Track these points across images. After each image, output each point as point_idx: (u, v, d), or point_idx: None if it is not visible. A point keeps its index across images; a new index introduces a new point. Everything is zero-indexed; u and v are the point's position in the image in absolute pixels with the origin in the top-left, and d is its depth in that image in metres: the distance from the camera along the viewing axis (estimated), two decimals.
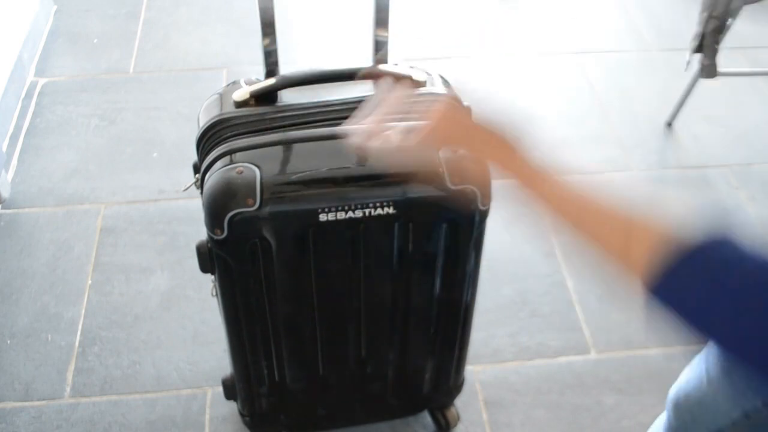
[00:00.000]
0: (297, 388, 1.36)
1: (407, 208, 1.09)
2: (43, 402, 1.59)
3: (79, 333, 1.71)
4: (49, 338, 1.70)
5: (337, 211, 1.07)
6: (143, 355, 1.67)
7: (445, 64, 2.43)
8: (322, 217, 1.07)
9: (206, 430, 1.55)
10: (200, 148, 1.15)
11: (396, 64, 1.21)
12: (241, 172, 1.05)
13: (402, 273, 1.19)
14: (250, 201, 1.03)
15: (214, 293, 1.35)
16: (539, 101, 2.35)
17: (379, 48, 1.20)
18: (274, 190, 1.05)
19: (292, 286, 1.17)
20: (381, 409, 1.49)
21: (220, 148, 1.10)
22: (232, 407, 1.57)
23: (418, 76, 1.19)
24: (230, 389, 1.40)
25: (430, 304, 1.25)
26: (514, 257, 1.89)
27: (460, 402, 1.58)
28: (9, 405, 1.59)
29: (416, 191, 1.08)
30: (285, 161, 1.08)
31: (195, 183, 1.18)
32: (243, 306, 1.18)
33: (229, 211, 1.04)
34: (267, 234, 1.08)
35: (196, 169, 1.22)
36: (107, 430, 1.55)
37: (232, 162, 1.07)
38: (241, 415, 1.44)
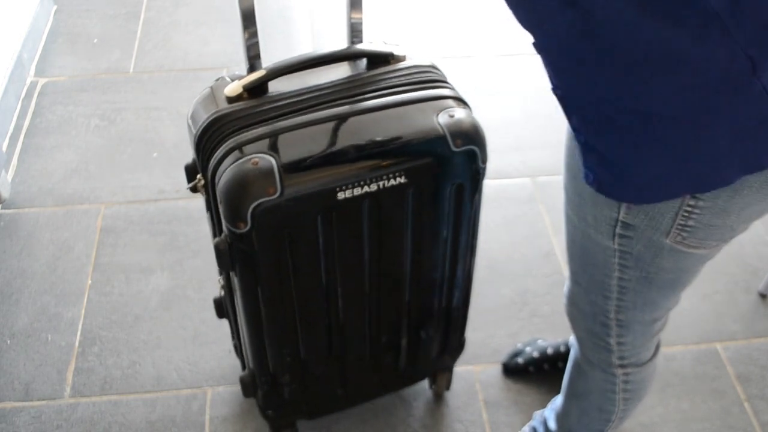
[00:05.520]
0: (318, 370, 1.36)
1: (417, 175, 1.12)
2: (43, 402, 1.59)
3: (79, 333, 1.71)
4: (49, 338, 1.70)
5: (353, 187, 1.09)
6: (143, 355, 1.67)
7: (446, 64, 2.43)
8: (340, 195, 1.09)
9: (206, 430, 1.55)
10: (200, 148, 1.15)
11: (371, 42, 1.22)
12: (257, 163, 1.05)
13: (415, 239, 1.22)
14: (271, 190, 1.04)
15: (223, 293, 1.35)
16: (540, 101, 2.35)
17: (355, 29, 1.23)
18: (292, 176, 1.05)
19: (315, 267, 1.18)
20: (392, 379, 1.51)
21: (225, 144, 1.09)
22: (232, 407, 1.57)
23: (397, 51, 1.21)
24: (249, 386, 1.39)
25: (440, 267, 1.28)
26: (514, 257, 1.89)
27: (460, 402, 1.58)
28: (9, 405, 1.59)
29: (423, 158, 1.11)
30: (295, 147, 1.09)
31: (196, 184, 1.18)
32: (265, 296, 1.19)
33: (251, 203, 1.04)
34: (289, 219, 1.09)
35: (189, 170, 1.21)
36: (107, 430, 1.55)
37: (243, 155, 1.07)
38: (262, 410, 1.42)
